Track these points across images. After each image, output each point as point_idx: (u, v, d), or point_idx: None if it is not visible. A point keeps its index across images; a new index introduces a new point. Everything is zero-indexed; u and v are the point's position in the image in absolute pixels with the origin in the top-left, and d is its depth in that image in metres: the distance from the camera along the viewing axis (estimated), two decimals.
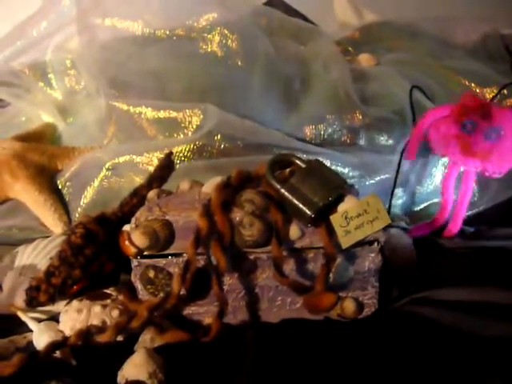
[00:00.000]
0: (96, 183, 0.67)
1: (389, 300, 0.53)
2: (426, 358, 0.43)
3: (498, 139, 0.61)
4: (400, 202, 0.72)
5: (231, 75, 0.81)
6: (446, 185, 0.66)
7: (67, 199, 0.70)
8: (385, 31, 1.07)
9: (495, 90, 0.84)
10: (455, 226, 0.65)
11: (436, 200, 0.72)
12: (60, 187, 0.71)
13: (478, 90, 0.85)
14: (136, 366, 0.42)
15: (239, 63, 0.82)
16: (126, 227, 0.48)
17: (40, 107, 0.84)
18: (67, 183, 0.71)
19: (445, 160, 0.71)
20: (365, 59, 0.97)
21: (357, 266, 0.49)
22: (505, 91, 0.83)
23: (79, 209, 0.68)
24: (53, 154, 0.74)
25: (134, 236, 0.45)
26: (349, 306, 0.50)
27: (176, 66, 0.81)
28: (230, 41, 0.83)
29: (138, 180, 0.68)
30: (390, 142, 0.77)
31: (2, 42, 0.81)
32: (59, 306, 0.53)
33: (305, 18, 1.05)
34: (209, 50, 0.82)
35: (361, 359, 0.44)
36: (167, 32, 0.84)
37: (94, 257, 0.48)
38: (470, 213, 0.70)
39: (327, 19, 1.13)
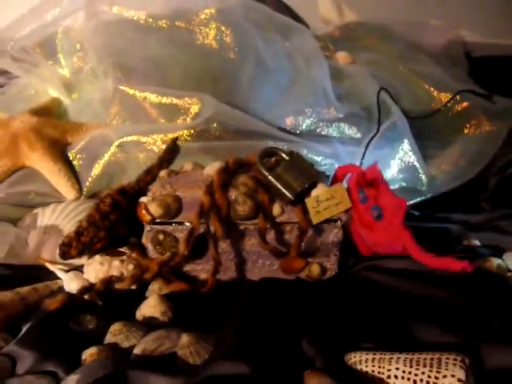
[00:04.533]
0: (106, 158, 0.77)
1: (346, 266, 0.66)
2: (372, 310, 0.55)
3: (378, 219, 0.61)
4: None
5: (224, 66, 0.91)
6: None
7: (78, 170, 0.80)
8: (361, 31, 1.19)
9: (450, 95, 0.98)
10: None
11: (391, 188, 0.85)
12: (71, 159, 0.81)
13: (435, 94, 0.99)
14: (150, 306, 0.54)
15: (232, 56, 0.92)
16: (143, 199, 0.59)
17: (47, 82, 0.92)
18: (77, 156, 0.81)
19: (401, 154, 0.85)
20: (342, 57, 1.09)
21: (323, 239, 0.62)
22: (458, 97, 0.97)
23: (90, 179, 0.78)
24: (64, 129, 0.83)
25: (151, 207, 0.57)
26: (315, 270, 0.63)
27: (175, 54, 0.90)
28: (224, 35, 0.92)
29: (142, 157, 0.78)
30: (358, 135, 0.90)
31: (20, 24, 0.88)
32: (79, 260, 0.64)
33: (294, 14, 1.14)
34: (205, 42, 0.91)
35: (323, 310, 0.56)
36: (168, 22, 0.92)
37: (116, 222, 0.59)
38: (418, 199, 0.85)
39: (311, 15, 1.23)
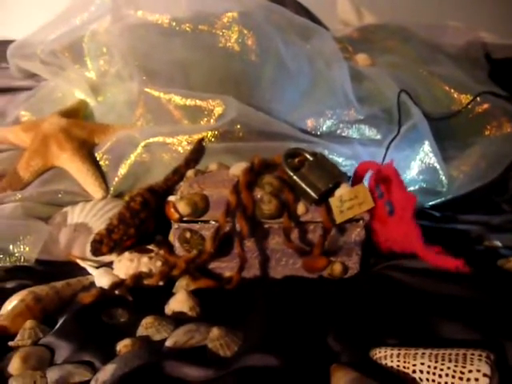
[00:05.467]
0: (132, 158, 0.80)
1: (368, 265, 0.67)
2: (395, 308, 0.56)
3: (391, 214, 0.62)
4: None
5: (246, 69, 0.93)
6: None
7: (105, 170, 0.83)
8: (380, 33, 1.20)
9: (470, 97, 0.98)
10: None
11: (412, 188, 0.86)
12: (98, 159, 0.83)
13: (455, 96, 0.99)
14: (179, 301, 0.56)
15: (253, 58, 0.94)
16: (171, 198, 0.61)
17: (74, 85, 0.95)
18: (104, 156, 0.83)
19: (421, 156, 0.86)
20: (361, 59, 1.10)
21: (345, 238, 0.64)
22: (478, 98, 0.98)
23: (116, 178, 0.81)
24: (91, 130, 0.86)
25: (179, 205, 0.59)
26: (337, 268, 0.64)
27: (198, 58, 0.92)
28: (246, 38, 0.94)
29: (167, 158, 0.81)
30: (378, 136, 0.91)
31: (49, 28, 0.91)
32: (108, 257, 0.67)
33: (313, 16, 1.16)
34: (227, 45, 0.94)
35: (347, 307, 0.57)
36: (191, 26, 0.94)
37: (145, 220, 0.61)
38: (438, 201, 0.86)
39: (330, 17, 1.24)
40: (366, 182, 0.66)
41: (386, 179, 0.63)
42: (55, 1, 0.94)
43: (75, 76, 0.94)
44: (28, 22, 1.02)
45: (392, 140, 0.87)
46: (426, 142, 0.86)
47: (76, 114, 0.92)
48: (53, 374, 0.44)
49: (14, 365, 0.45)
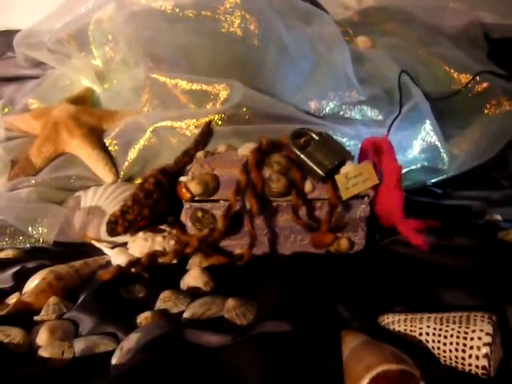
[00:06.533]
0: (141, 143, 0.81)
1: (373, 240, 0.69)
2: (401, 278, 0.58)
3: (380, 183, 0.65)
4: None
5: (249, 53, 0.94)
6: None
7: (114, 155, 0.84)
8: (380, 15, 1.21)
9: (470, 76, 1.00)
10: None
11: (414, 167, 0.88)
12: (107, 145, 0.85)
13: (455, 76, 1.00)
14: (193, 277, 0.59)
15: (256, 43, 0.95)
16: (183, 178, 0.64)
17: (81, 73, 0.97)
18: (113, 142, 0.85)
19: (423, 135, 0.88)
20: (362, 41, 1.11)
21: (351, 214, 0.66)
22: (477, 78, 0.99)
23: (126, 163, 0.83)
24: (100, 116, 0.88)
25: (191, 185, 0.61)
26: (343, 244, 0.66)
27: (202, 43, 0.93)
28: (248, 23, 0.95)
29: (175, 142, 0.82)
30: (380, 117, 0.93)
31: (54, 16, 0.92)
32: (121, 238, 0.69)
33: (313, 0, 1.16)
34: (230, 30, 0.95)
35: (354, 279, 0.60)
36: (194, 12, 0.96)
37: (158, 200, 0.63)
38: (440, 178, 0.88)
39: (331, 0, 1.25)
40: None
41: (378, 151, 0.66)
42: None
43: (81, 64, 0.96)
44: (32, 12, 1.03)
45: (394, 120, 0.88)
46: (427, 122, 0.88)
47: (84, 101, 0.93)
48: (79, 345, 0.47)
49: (42, 337, 0.48)
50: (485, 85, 0.99)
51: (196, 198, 0.64)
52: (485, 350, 0.41)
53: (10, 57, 1.07)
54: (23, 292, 0.57)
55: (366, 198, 0.65)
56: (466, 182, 0.89)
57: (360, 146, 0.69)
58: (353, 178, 0.63)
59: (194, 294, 0.56)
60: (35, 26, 0.97)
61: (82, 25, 0.92)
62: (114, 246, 0.68)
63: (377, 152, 0.67)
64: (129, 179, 0.83)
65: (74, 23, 0.92)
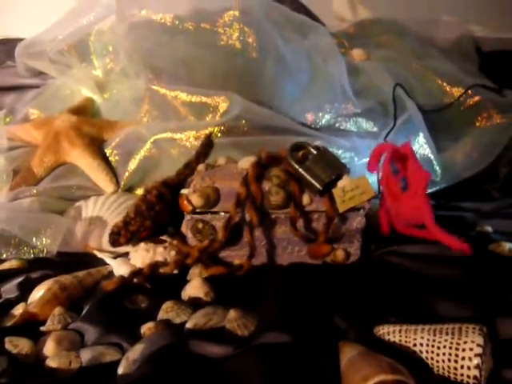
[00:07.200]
0: (142, 153, 0.83)
1: (368, 251, 0.71)
2: (395, 289, 0.60)
3: (405, 190, 0.67)
4: None
5: (247, 65, 0.96)
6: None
7: (114, 165, 0.86)
8: (375, 27, 1.23)
9: (462, 90, 1.02)
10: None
11: None
12: (108, 155, 0.87)
13: (448, 89, 1.03)
14: (195, 287, 0.60)
15: (254, 55, 0.97)
16: (184, 191, 0.65)
17: (81, 83, 0.98)
18: (114, 152, 0.87)
19: (416, 147, 0.90)
20: (357, 54, 1.13)
21: (347, 226, 0.68)
22: (469, 91, 1.02)
23: (126, 173, 0.84)
24: (100, 126, 0.89)
25: (193, 198, 0.63)
26: (340, 255, 0.68)
27: (201, 55, 0.95)
28: (247, 35, 0.97)
29: (175, 153, 0.84)
30: (375, 129, 0.95)
31: (56, 27, 0.94)
32: (122, 248, 0.70)
33: (309, 12, 1.19)
34: (229, 42, 0.97)
35: (350, 290, 0.61)
36: (194, 24, 0.97)
37: (160, 212, 0.65)
38: (433, 189, 0.90)
39: (325, 12, 1.27)
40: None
41: (402, 157, 0.68)
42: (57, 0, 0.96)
43: (82, 74, 0.97)
44: (31, 21, 1.05)
45: (388, 132, 0.91)
46: (421, 134, 0.90)
47: (84, 111, 0.95)
48: (86, 355, 0.48)
49: (49, 347, 0.49)
50: (476, 98, 1.02)
51: (197, 210, 0.65)
52: (476, 360, 0.43)
53: (10, 66, 1.08)
54: (29, 302, 0.58)
55: (362, 210, 0.67)
56: (458, 193, 0.91)
57: (372, 151, 0.70)
58: (349, 192, 0.65)
59: (195, 304, 0.58)
60: (37, 37, 0.98)
61: (83, 36, 0.93)
62: (116, 256, 0.70)
63: (399, 159, 0.69)
64: (129, 189, 0.85)
65: (75, 34, 0.93)
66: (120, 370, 0.46)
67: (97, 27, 0.94)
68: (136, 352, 0.47)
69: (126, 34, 0.94)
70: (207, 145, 0.72)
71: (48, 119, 0.89)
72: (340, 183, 0.66)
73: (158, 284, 0.63)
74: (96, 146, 0.86)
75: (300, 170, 0.64)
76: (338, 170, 0.66)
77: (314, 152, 0.67)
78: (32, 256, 0.68)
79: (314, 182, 0.64)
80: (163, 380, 0.43)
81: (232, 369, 0.44)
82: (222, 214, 0.66)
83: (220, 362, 0.46)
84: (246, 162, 0.67)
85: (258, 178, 0.64)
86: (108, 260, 0.68)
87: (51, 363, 0.47)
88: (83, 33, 0.93)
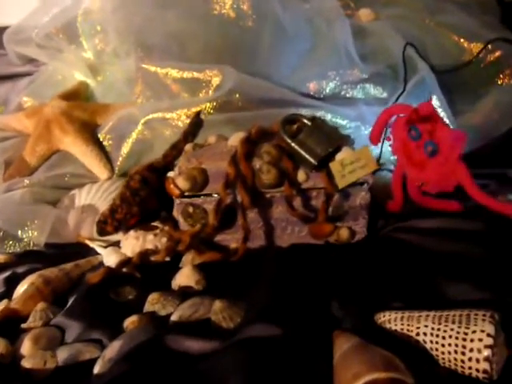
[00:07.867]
0: (134, 136, 0.79)
1: (376, 228, 0.66)
2: (403, 270, 0.55)
3: (433, 155, 0.60)
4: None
5: (243, 35, 0.90)
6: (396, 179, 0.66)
7: (108, 150, 0.83)
8: None
9: (481, 45, 0.93)
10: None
11: None
12: (101, 140, 0.83)
13: (466, 45, 0.94)
14: (185, 276, 0.57)
15: (250, 24, 0.90)
16: (171, 174, 0.61)
17: (73, 66, 0.95)
18: (107, 136, 0.83)
19: (436, 104, 0.82)
20: (364, 14, 1.04)
21: (350, 202, 0.62)
22: (489, 46, 0.92)
23: (120, 158, 0.81)
24: (93, 111, 0.86)
25: (178, 181, 0.59)
26: (343, 234, 0.63)
27: (193, 28, 0.89)
28: (241, 2, 0.91)
29: (168, 133, 0.80)
30: (384, 95, 0.88)
31: (41, 10, 0.90)
32: (116, 236, 0.67)
33: None
34: (222, 11, 0.90)
35: (352, 272, 0.57)
36: None
37: (146, 197, 0.61)
38: None
39: None
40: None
41: (425, 119, 0.60)
42: None
43: (73, 57, 0.94)
44: (21, 6, 1.01)
45: (398, 97, 0.83)
46: (434, 97, 0.82)
47: (77, 95, 0.92)
48: (63, 354, 0.46)
49: (25, 346, 0.47)
50: (498, 53, 0.92)
51: (186, 193, 0.61)
52: (486, 352, 0.38)
53: (2, 54, 1.05)
54: (13, 298, 0.56)
55: (366, 185, 0.62)
56: (478, 159, 0.83)
57: (378, 116, 0.63)
58: (349, 165, 0.60)
59: (184, 293, 0.55)
60: (23, 22, 0.95)
61: (70, 17, 0.89)
62: (108, 245, 0.67)
63: (422, 121, 0.60)
64: (124, 174, 0.81)
65: (61, 16, 0.89)
66: (96, 369, 0.44)
67: (83, 6, 0.89)
68: (113, 350, 0.44)
69: (114, 10, 0.90)
70: (195, 124, 0.67)
71: (39, 107, 0.86)
72: (338, 156, 0.60)
73: (149, 273, 0.60)
74: (89, 132, 0.83)
75: (293, 144, 0.59)
76: (336, 141, 0.60)
77: (309, 124, 0.61)
78: (19, 249, 0.66)
79: (308, 156, 0.58)
80: (138, 379, 0.40)
81: (212, 365, 0.41)
82: (215, 195, 0.61)
83: (199, 359, 0.42)
84: (235, 139, 0.62)
85: (247, 155, 0.60)
86: (98, 249, 0.65)
87: (26, 364, 0.45)
88: (70, 14, 0.89)
